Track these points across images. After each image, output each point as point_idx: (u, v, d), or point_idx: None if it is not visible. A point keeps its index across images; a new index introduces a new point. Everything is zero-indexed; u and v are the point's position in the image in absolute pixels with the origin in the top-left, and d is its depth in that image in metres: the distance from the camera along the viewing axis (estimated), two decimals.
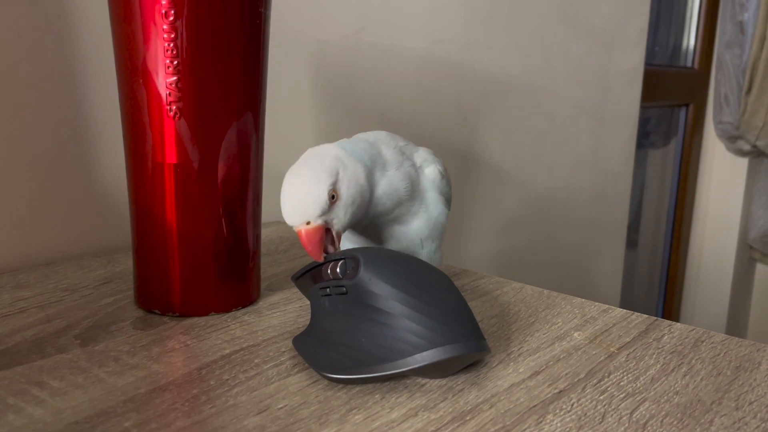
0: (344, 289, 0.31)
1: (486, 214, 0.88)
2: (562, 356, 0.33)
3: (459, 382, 0.30)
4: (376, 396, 0.28)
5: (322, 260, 0.33)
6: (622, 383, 0.30)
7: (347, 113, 0.68)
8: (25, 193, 0.47)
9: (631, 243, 1.47)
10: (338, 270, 0.31)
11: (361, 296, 0.30)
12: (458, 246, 0.84)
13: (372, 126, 0.70)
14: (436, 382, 0.30)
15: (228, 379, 0.29)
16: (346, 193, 0.33)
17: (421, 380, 0.30)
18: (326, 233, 0.33)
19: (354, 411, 0.27)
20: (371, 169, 0.35)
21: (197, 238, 0.36)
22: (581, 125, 1.06)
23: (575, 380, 0.30)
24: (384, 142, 0.37)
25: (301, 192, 0.33)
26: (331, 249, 0.34)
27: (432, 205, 0.38)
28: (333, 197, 0.33)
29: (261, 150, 0.39)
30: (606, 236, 1.19)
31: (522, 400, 0.28)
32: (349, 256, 0.32)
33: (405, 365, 0.28)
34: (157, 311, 0.37)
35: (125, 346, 0.32)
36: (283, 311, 0.38)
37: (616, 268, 1.24)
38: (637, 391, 0.29)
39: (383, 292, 0.29)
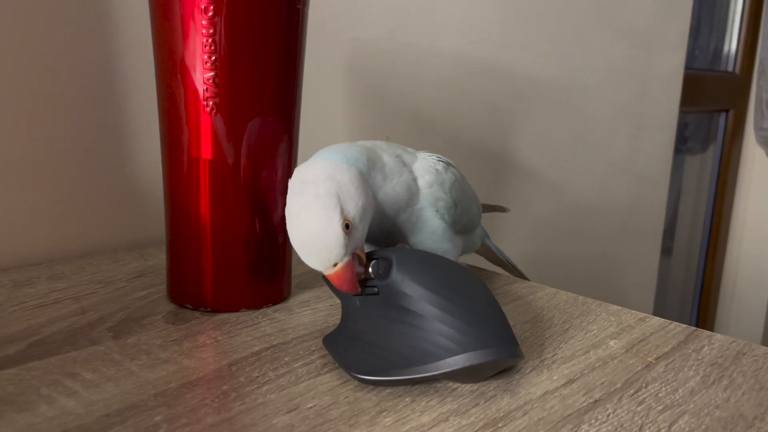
0: (376, 289, 0.30)
1: (518, 218, 0.87)
2: (597, 365, 0.32)
3: (491, 388, 0.29)
4: (407, 399, 0.28)
5: (359, 291, 0.31)
6: (660, 395, 0.29)
7: (381, 113, 0.68)
8: (63, 186, 0.47)
9: (666, 250, 1.44)
10: (371, 270, 0.31)
11: (393, 297, 0.30)
12: None
13: (405, 127, 0.70)
14: (468, 387, 0.29)
15: (258, 377, 0.29)
16: (355, 210, 0.30)
17: (452, 384, 0.29)
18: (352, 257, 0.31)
19: (384, 413, 0.27)
20: (369, 171, 0.33)
21: (230, 234, 0.36)
22: (618, 129, 1.04)
23: (611, 390, 0.29)
24: (382, 149, 0.35)
25: (316, 240, 0.29)
26: (361, 270, 0.31)
27: (428, 222, 0.36)
28: (348, 226, 0.30)
29: (295, 147, 0.39)
30: (640, 243, 1.17)
31: (556, 408, 0.28)
32: (382, 256, 0.31)
33: (436, 369, 0.28)
34: (188, 306, 0.37)
35: (157, 340, 0.33)
36: (314, 309, 0.38)
37: (650, 276, 1.22)
38: (675, 404, 0.28)
39: (416, 293, 0.29)
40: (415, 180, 0.35)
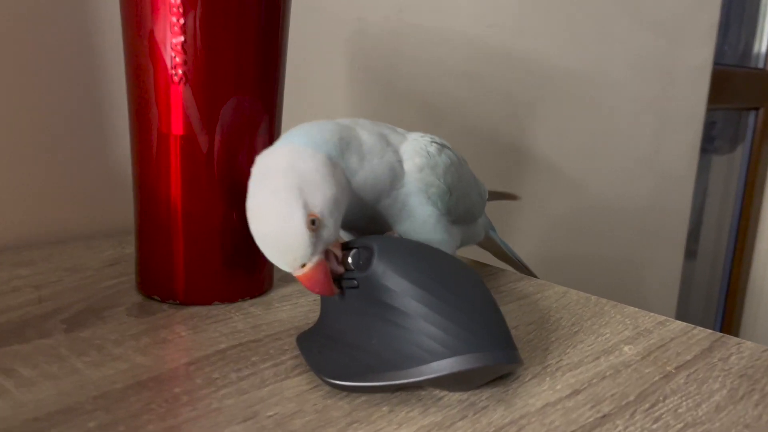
0: (356, 282, 0.27)
1: (532, 214, 0.83)
2: (608, 373, 0.28)
3: (483, 398, 0.25)
4: (384, 408, 0.24)
5: (336, 292, 0.27)
6: (680, 410, 0.25)
7: (386, 99, 0.64)
8: (38, 170, 0.44)
9: (690, 253, 1.38)
10: (350, 260, 0.27)
11: (373, 291, 0.26)
12: None
13: (412, 114, 0.66)
14: (456, 396, 0.25)
15: (217, 378, 0.26)
16: (322, 203, 0.26)
17: (438, 393, 0.25)
18: (326, 255, 0.27)
19: (355, 425, 0.23)
20: (341, 153, 0.29)
21: (204, 220, 0.33)
22: (641, 125, 0.99)
23: (623, 403, 0.25)
24: (363, 126, 0.31)
25: (277, 240, 0.26)
26: (340, 269, 0.27)
27: (417, 209, 0.32)
28: (314, 221, 0.26)
29: (277, 127, 0.35)
30: (663, 246, 1.12)
31: (557, 423, 0.24)
32: (363, 245, 0.27)
33: (419, 374, 0.24)
34: (156, 297, 0.34)
35: (113, 335, 0.29)
36: (295, 304, 0.34)
37: (673, 279, 1.17)
38: (698, 421, 0.24)
39: (399, 287, 0.25)
40: (400, 162, 0.31)
